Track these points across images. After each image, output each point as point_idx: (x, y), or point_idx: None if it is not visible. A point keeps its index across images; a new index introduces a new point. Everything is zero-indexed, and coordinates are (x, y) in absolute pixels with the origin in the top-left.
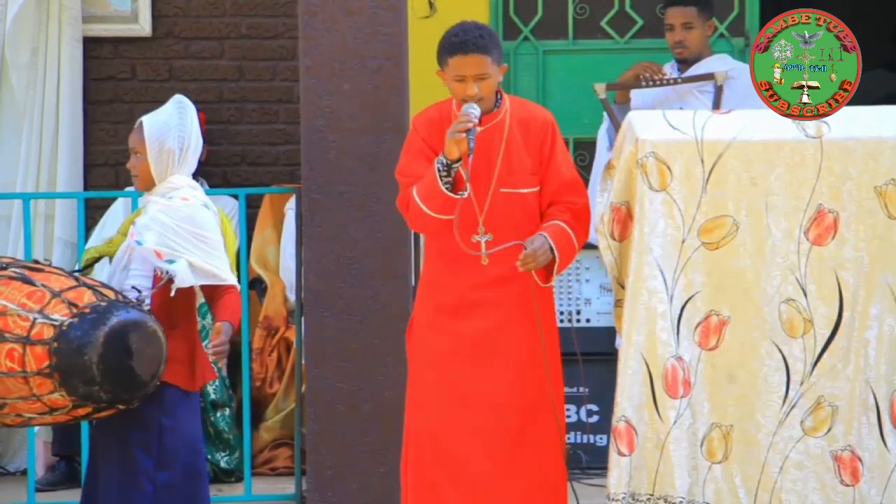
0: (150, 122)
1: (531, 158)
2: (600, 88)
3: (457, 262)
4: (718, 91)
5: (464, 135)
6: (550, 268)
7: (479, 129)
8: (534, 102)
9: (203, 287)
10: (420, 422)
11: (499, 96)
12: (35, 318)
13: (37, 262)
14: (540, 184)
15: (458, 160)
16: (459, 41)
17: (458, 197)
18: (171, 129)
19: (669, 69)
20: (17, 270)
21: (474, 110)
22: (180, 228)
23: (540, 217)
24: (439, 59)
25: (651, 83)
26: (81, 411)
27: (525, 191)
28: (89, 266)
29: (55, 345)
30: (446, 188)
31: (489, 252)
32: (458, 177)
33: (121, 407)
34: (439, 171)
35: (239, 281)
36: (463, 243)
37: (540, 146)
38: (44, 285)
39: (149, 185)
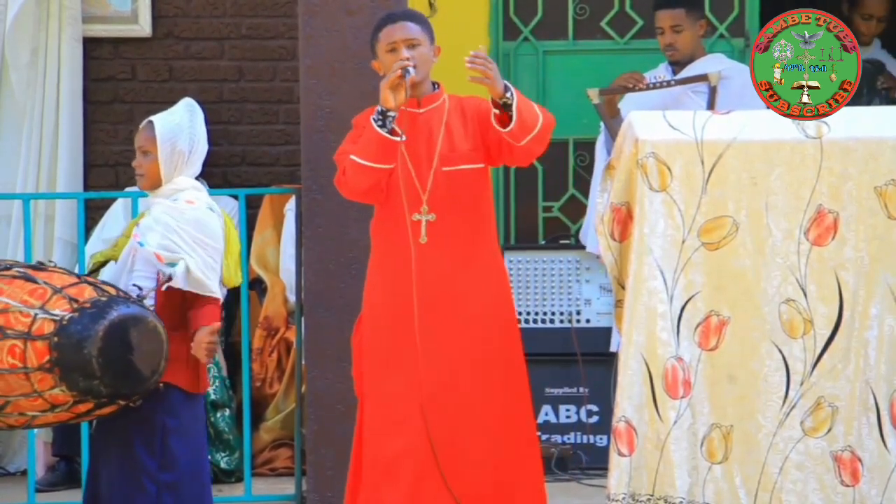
0: (163, 123)
1: (470, 139)
2: (593, 94)
3: (395, 241)
4: (712, 92)
5: (399, 72)
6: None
7: (413, 72)
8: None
9: (185, 292)
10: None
11: (436, 85)
12: (36, 314)
13: (40, 262)
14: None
15: (393, 111)
16: (385, 15)
17: (395, 139)
18: (183, 130)
19: (664, 70)
20: (21, 270)
21: (410, 63)
22: (183, 231)
23: (488, 193)
24: (372, 47)
25: (643, 88)
26: (82, 407)
27: (467, 167)
28: (96, 270)
29: (55, 339)
30: (383, 133)
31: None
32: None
33: (122, 403)
34: (375, 120)
35: (239, 281)
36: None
37: (479, 122)
38: (45, 282)
39: (155, 184)
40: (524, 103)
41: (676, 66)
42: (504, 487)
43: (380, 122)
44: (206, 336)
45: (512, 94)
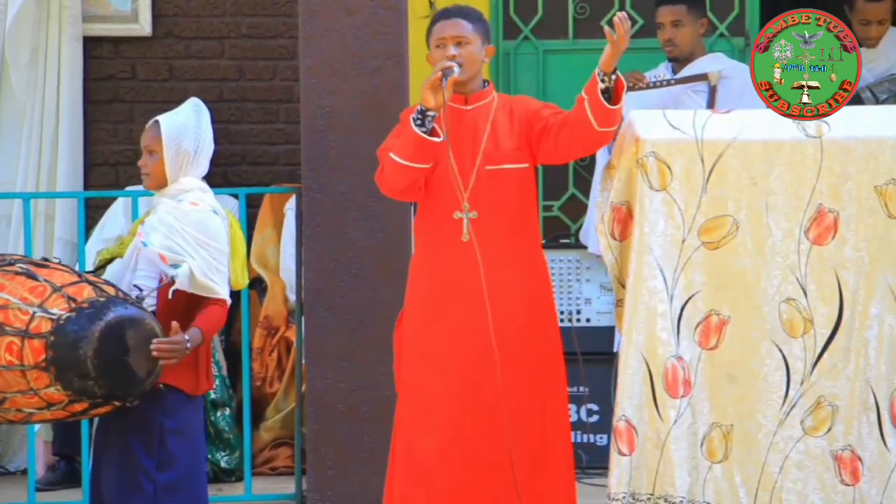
0: (169, 123)
1: (515, 138)
2: None
3: (437, 239)
4: (712, 91)
5: (439, 73)
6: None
7: (457, 70)
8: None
9: (189, 294)
10: (412, 424)
11: (485, 83)
12: (34, 312)
13: (45, 259)
14: (541, 135)
15: (434, 111)
16: (442, 10)
17: (433, 140)
18: (189, 130)
19: (664, 69)
20: (23, 266)
21: (453, 63)
22: (186, 233)
23: (531, 192)
24: (427, 41)
25: (643, 87)
26: (78, 406)
27: (510, 166)
28: (102, 267)
29: (52, 339)
30: (420, 132)
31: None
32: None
33: (117, 403)
34: (414, 119)
35: (245, 284)
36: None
37: (525, 120)
38: (46, 280)
39: (160, 184)
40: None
41: (676, 62)
42: (537, 487)
43: (419, 122)
44: (166, 341)
45: (618, 78)
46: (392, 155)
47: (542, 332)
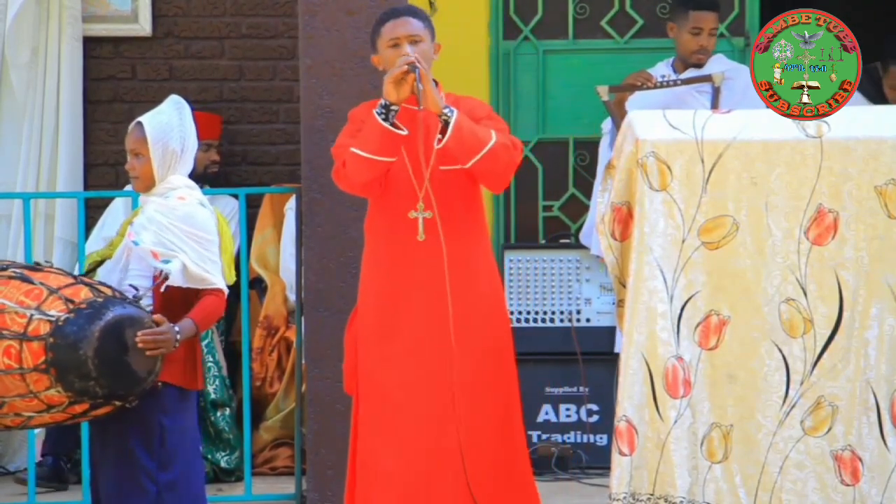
0: (152, 124)
1: None
2: (603, 91)
3: (391, 238)
4: (716, 92)
5: (405, 67)
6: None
7: (419, 67)
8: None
9: (184, 289)
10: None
11: (436, 83)
12: (32, 315)
13: (37, 263)
14: None
15: (396, 104)
16: (388, 10)
17: (399, 132)
18: (174, 129)
19: (666, 69)
20: (17, 270)
21: (414, 58)
22: (175, 227)
23: (481, 193)
24: (372, 42)
25: (651, 86)
26: (78, 408)
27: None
28: (92, 270)
29: (51, 340)
30: (386, 125)
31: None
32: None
33: (117, 403)
34: (378, 113)
35: (239, 281)
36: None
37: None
38: (42, 283)
39: (149, 186)
40: (468, 125)
41: (682, 63)
42: (494, 485)
43: (382, 116)
44: (150, 332)
45: (451, 112)
46: (354, 150)
47: (495, 332)
